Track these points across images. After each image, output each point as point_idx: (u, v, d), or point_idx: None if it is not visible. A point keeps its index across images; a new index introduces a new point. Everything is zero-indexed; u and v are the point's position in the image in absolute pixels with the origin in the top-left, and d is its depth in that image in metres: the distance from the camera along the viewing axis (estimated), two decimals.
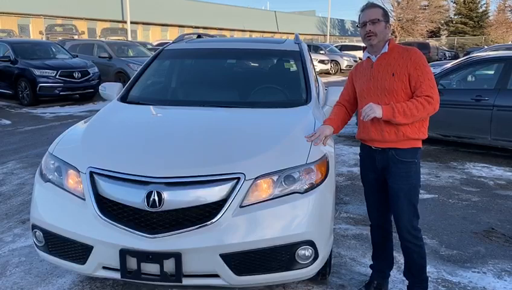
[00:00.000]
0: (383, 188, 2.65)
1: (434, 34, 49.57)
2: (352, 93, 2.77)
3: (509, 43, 28.47)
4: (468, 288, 2.92)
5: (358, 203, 4.47)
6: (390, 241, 2.84)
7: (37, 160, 5.74)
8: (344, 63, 23.03)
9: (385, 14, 2.53)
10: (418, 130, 2.50)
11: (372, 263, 2.91)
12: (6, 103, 11.06)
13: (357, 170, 5.64)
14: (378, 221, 2.80)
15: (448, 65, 7.36)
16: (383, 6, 2.61)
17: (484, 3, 48.41)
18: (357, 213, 4.19)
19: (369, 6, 2.56)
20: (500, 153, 6.36)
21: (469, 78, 6.88)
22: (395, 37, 47.92)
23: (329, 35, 45.97)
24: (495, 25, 47.56)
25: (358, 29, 2.60)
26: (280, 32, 46.35)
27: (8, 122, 8.78)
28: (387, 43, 2.54)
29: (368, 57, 2.62)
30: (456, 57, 29.07)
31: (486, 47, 20.50)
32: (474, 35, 44.66)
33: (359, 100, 2.68)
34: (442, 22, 49.29)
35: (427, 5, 47.91)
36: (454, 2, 48.12)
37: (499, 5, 50.42)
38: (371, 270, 2.88)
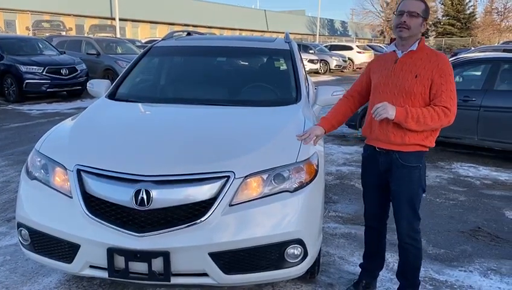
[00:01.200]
0: (383, 191, 2.59)
1: (422, 35, 49.98)
2: (366, 85, 2.64)
3: (496, 44, 28.84)
4: (455, 287, 2.95)
5: (347, 202, 4.49)
6: (383, 243, 2.81)
7: (23, 157, 5.65)
8: (333, 62, 23.12)
9: (426, 10, 2.37)
10: (426, 138, 2.42)
11: (362, 262, 2.89)
12: None
13: (345, 169, 5.67)
14: (373, 223, 2.75)
15: None
16: (425, 3, 2.40)
17: (471, 6, 49.06)
18: (345, 212, 4.21)
19: None
20: (486, 153, 6.44)
21: (457, 78, 6.95)
22: (384, 37, 48.30)
23: (319, 35, 46.12)
24: (482, 27, 48.24)
25: (393, 16, 2.47)
26: (270, 31, 46.34)
27: None
28: (417, 41, 2.40)
29: (394, 50, 2.48)
30: None
31: (473, 48, 20.75)
32: (462, 36, 45.22)
33: (373, 93, 2.54)
34: (430, 23, 49.70)
35: None
36: (442, 4, 48.65)
37: (486, 7, 51.20)
38: (360, 269, 2.89)
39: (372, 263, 2.84)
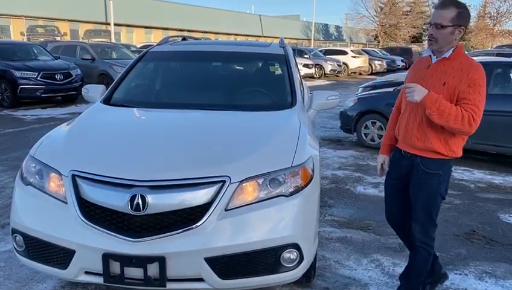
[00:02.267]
0: (403, 194, 2.59)
1: (416, 39, 50.39)
2: None
3: (489, 48, 29.07)
4: (451, 289, 2.96)
5: (342, 206, 4.49)
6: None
7: (17, 163, 5.62)
8: (328, 67, 23.20)
9: (457, 17, 2.26)
10: (448, 146, 2.39)
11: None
12: None
13: (341, 173, 5.68)
14: (395, 226, 2.78)
15: None
16: (460, 7, 2.28)
17: None
18: (341, 216, 4.21)
19: (440, 5, 2.33)
20: (481, 157, 6.48)
21: None
22: (378, 42, 48.57)
23: (314, 40, 46.30)
24: (475, 31, 48.64)
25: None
26: (265, 36, 46.46)
27: None
28: (452, 49, 2.34)
29: (430, 55, 2.45)
30: None
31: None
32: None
33: (404, 98, 2.52)
34: (424, 27, 50.08)
35: (410, 11, 48.78)
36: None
37: (479, 11, 51.62)
38: (356, 272, 2.89)
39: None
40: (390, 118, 2.76)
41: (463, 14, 2.28)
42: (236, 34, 44.21)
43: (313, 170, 2.58)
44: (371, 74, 25.85)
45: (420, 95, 2.26)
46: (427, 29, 2.40)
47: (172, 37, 4.83)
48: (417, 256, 2.58)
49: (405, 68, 26.72)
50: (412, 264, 2.63)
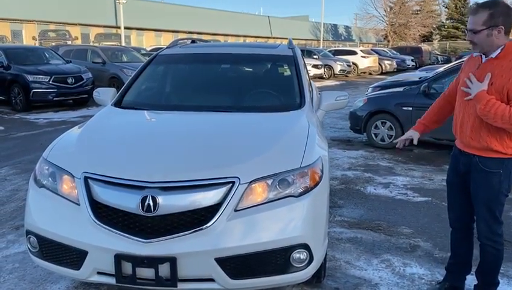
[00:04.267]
0: (464, 191, 2.61)
1: (426, 38, 49.98)
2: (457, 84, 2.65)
3: None
4: None
5: (352, 206, 4.49)
6: (468, 245, 2.79)
7: (30, 166, 5.71)
8: (337, 67, 23.14)
9: (490, 18, 2.26)
10: (506, 143, 2.37)
11: (447, 264, 2.91)
12: None
13: (351, 173, 5.67)
14: (455, 224, 2.78)
15: (441, 69, 7.43)
16: (492, 7, 2.27)
17: None
18: (351, 217, 4.21)
19: (472, 11, 2.37)
20: None
21: None
22: (388, 41, 48.30)
23: (323, 40, 46.20)
24: None
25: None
26: (274, 37, 46.51)
27: (1, 128, 8.73)
28: (500, 48, 2.32)
29: (480, 54, 2.45)
30: (448, 61, 29.34)
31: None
32: (466, 39, 45.03)
33: (459, 96, 2.55)
34: (434, 26, 49.74)
35: (419, 10, 48.38)
36: (446, 7, 48.63)
37: None
38: (366, 272, 2.89)
39: (456, 265, 2.84)
40: (436, 102, 2.80)
41: (497, 13, 2.26)
42: (245, 36, 44.29)
43: (322, 171, 2.58)
44: (381, 73, 25.73)
45: (476, 90, 2.33)
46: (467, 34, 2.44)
47: (181, 39, 4.87)
48: (485, 253, 2.59)
49: (415, 68, 26.51)
50: (483, 262, 2.64)
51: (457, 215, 2.74)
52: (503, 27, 2.28)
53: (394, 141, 2.87)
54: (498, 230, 2.52)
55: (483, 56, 2.42)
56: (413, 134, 2.79)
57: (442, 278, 2.92)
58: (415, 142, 2.78)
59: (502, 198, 2.48)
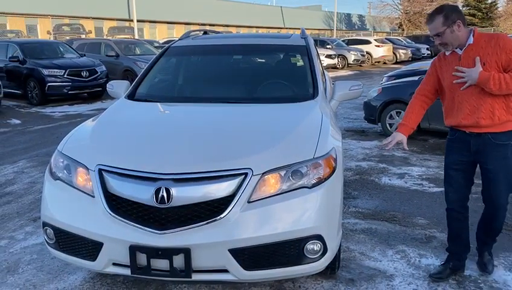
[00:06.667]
0: (467, 171, 2.77)
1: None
2: (435, 84, 2.82)
3: None
4: (479, 281, 2.90)
5: (367, 197, 4.46)
6: (466, 225, 2.93)
7: (47, 159, 5.79)
8: (351, 57, 22.91)
9: (446, 19, 2.54)
10: (511, 110, 2.60)
11: (448, 245, 3.03)
12: (16, 103, 11.17)
13: (365, 164, 5.62)
14: (454, 205, 2.89)
15: None
16: (443, 10, 2.57)
17: None
18: (365, 207, 4.18)
19: (428, 19, 2.64)
20: None
21: None
22: (402, 30, 47.59)
23: (336, 30, 45.73)
24: (504, 16, 47.07)
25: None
26: (286, 28, 46.19)
27: (18, 121, 8.87)
28: (471, 34, 2.58)
29: (454, 50, 2.66)
30: None
31: None
32: (483, 26, 44.17)
33: (450, 92, 2.72)
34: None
35: None
36: None
37: None
38: (381, 263, 2.87)
39: (457, 245, 2.97)
40: (414, 103, 2.89)
41: (449, 13, 2.55)
42: (257, 27, 44.10)
43: (335, 161, 2.56)
44: (396, 63, 25.38)
45: (476, 73, 2.51)
46: (434, 41, 2.68)
47: (193, 31, 4.86)
48: (498, 218, 2.79)
49: (430, 56, 26.07)
50: (490, 226, 2.86)
51: (459, 196, 2.85)
52: (460, 21, 2.56)
53: (382, 143, 2.91)
54: (507, 199, 2.75)
55: (458, 49, 2.63)
56: (402, 138, 2.84)
57: (445, 266, 2.98)
58: (405, 147, 2.87)
59: None
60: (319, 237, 2.34)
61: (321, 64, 4.65)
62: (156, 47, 16.48)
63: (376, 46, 25.13)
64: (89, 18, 32.04)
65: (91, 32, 27.77)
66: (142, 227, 2.26)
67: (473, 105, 2.62)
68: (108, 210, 2.31)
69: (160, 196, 2.23)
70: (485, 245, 2.99)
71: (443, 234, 3.57)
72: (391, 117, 7.03)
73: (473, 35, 2.58)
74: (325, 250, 2.38)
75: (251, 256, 2.27)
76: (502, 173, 2.66)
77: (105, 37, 25.39)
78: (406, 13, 47.98)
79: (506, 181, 2.67)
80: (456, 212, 2.89)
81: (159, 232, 2.24)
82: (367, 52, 24.32)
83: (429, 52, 28.21)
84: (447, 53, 2.71)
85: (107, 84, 3.91)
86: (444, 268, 2.94)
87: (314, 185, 2.37)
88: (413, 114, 2.86)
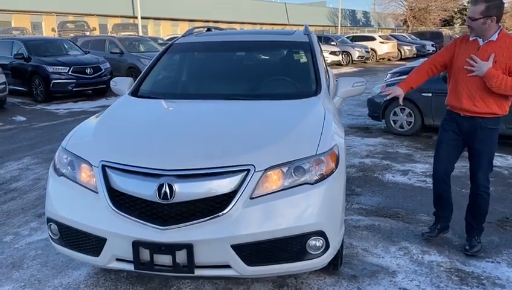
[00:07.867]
0: (457, 147, 3.17)
1: (447, 22, 48.84)
2: (448, 59, 3.12)
3: None
4: (482, 278, 2.90)
5: (370, 194, 4.45)
6: (449, 190, 3.34)
7: (51, 155, 5.82)
8: (356, 54, 22.83)
9: (486, 9, 2.79)
10: (504, 107, 2.99)
11: (434, 210, 3.46)
12: (21, 100, 11.22)
13: (369, 161, 5.62)
14: (441, 175, 3.25)
15: None
16: (486, 0, 2.80)
17: None
18: (368, 204, 4.18)
19: (473, 1, 2.90)
20: None
21: None
22: (407, 26, 47.34)
23: (341, 26, 45.55)
24: (510, 12, 46.65)
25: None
26: (291, 24, 46.03)
27: (23, 118, 8.92)
28: (497, 32, 2.87)
29: (476, 39, 2.95)
30: None
31: None
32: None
33: (457, 73, 3.04)
34: (456, 10, 48.49)
35: None
36: None
37: None
38: (383, 260, 2.88)
39: (444, 210, 3.39)
40: (421, 67, 3.23)
41: (492, 6, 2.80)
42: (262, 24, 43.98)
43: (338, 158, 2.56)
44: (400, 59, 25.29)
45: (486, 67, 2.83)
46: (466, 20, 2.99)
47: (197, 28, 4.86)
48: (481, 200, 3.15)
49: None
50: (476, 208, 3.20)
51: (445, 167, 3.24)
52: (495, 17, 2.83)
53: (382, 92, 3.36)
54: (489, 178, 3.14)
55: (480, 40, 2.93)
56: (400, 93, 3.22)
57: (434, 227, 3.42)
58: (401, 102, 3.30)
59: (496, 149, 3.11)
60: (321, 233, 2.34)
61: (324, 60, 4.64)
62: (160, 44, 16.48)
63: (380, 42, 25.03)
64: (93, 15, 32.08)
65: (95, 30, 27.79)
66: (145, 223, 2.27)
67: (472, 93, 2.98)
68: (112, 206, 2.32)
69: (163, 192, 2.24)
70: (473, 229, 3.25)
71: (446, 231, 3.57)
72: (395, 114, 7.01)
73: (498, 34, 2.85)
74: (327, 246, 2.38)
75: (253, 252, 2.28)
76: (486, 152, 3.05)
77: (109, 34, 25.41)
78: (411, 9, 47.69)
79: (487, 160, 3.06)
80: (441, 179, 3.26)
81: (162, 228, 2.25)
82: (371, 49, 24.24)
83: (434, 48, 28.06)
84: (471, 38, 2.98)
85: (111, 81, 3.92)
86: (433, 229, 3.39)
87: (316, 182, 2.38)
88: (418, 76, 3.23)
